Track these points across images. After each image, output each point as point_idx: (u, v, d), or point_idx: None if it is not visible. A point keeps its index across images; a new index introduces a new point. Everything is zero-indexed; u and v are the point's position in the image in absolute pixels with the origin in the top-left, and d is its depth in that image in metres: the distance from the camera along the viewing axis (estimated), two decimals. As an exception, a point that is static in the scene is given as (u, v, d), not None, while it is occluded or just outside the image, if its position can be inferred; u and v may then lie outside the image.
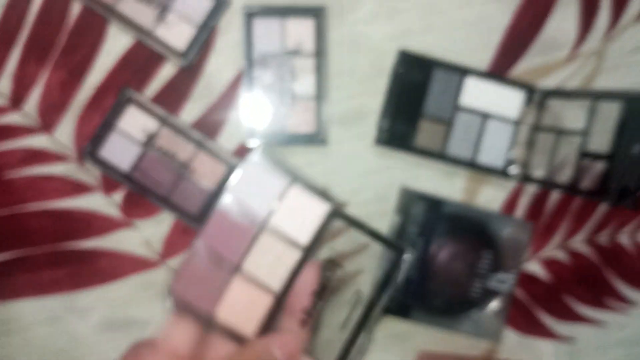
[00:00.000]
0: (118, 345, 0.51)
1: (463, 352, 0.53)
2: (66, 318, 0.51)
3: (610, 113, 0.44)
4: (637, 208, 0.40)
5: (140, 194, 0.49)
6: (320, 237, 0.36)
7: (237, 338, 0.35)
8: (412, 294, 0.48)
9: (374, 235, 0.37)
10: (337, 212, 0.36)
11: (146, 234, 0.51)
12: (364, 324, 0.36)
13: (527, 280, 0.54)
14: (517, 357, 0.54)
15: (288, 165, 0.36)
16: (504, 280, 0.48)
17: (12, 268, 0.50)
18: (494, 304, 0.48)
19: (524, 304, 0.54)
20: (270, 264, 0.36)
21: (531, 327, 0.54)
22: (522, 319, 0.54)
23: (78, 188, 0.50)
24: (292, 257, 0.36)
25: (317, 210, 0.36)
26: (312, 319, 0.35)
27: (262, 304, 0.35)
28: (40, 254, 0.50)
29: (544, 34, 0.51)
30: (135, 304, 0.51)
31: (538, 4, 0.51)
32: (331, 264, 0.37)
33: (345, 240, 0.38)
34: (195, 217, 0.50)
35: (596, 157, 0.45)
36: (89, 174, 0.50)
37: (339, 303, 0.37)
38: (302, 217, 0.36)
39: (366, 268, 0.39)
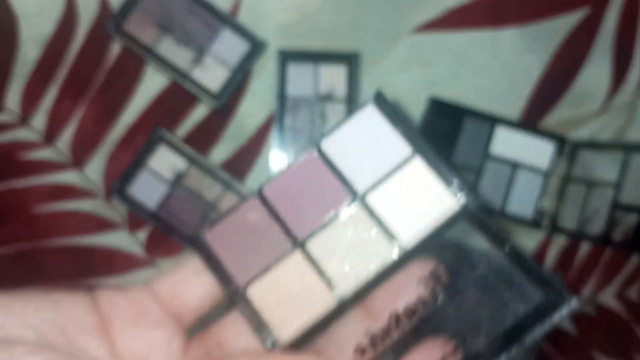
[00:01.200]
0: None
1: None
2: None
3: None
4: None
5: (166, 232, 0.49)
6: (433, 241, 0.24)
7: (261, 334, 0.24)
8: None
9: (521, 260, 0.23)
10: (472, 214, 0.24)
11: (169, 274, 0.50)
12: None
13: (556, 335, 0.52)
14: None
15: (416, 130, 0.25)
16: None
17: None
18: (523, 357, 0.47)
19: (551, 358, 0.52)
20: (348, 255, 0.24)
21: (560, 384, 0.52)
22: (551, 375, 0.52)
23: (103, 225, 0.50)
24: (383, 255, 0.24)
25: (441, 203, 0.24)
26: (377, 357, 0.24)
27: (316, 304, 0.24)
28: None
29: (576, 85, 0.51)
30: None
31: (571, 55, 0.51)
32: (435, 283, 0.24)
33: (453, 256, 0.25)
34: (219, 258, 0.49)
35: (629, 209, 0.45)
36: (115, 212, 0.50)
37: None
38: (417, 205, 0.24)
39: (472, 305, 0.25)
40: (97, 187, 0.50)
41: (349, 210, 0.25)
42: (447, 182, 0.24)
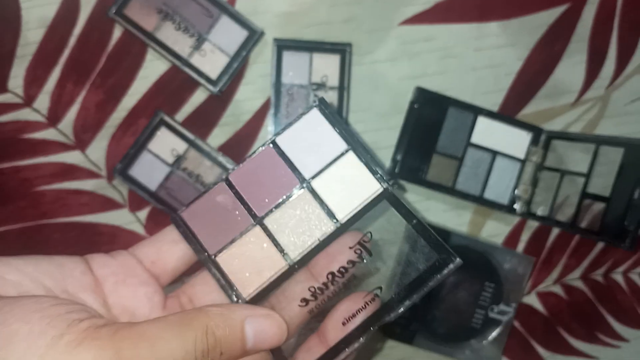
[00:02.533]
0: None
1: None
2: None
3: (612, 158, 0.47)
4: (633, 248, 0.43)
5: (165, 212, 0.52)
6: (361, 217, 0.31)
7: (227, 291, 0.31)
8: (417, 321, 0.51)
9: (424, 230, 0.30)
10: (390, 195, 0.31)
11: (167, 250, 0.53)
12: (374, 324, 0.30)
13: (526, 313, 0.57)
14: (513, 384, 0.57)
15: (352, 130, 0.32)
16: (505, 312, 0.51)
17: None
18: (494, 334, 0.51)
19: (522, 335, 0.57)
20: (296, 229, 0.32)
21: (526, 358, 0.57)
22: (520, 350, 0.57)
23: (105, 204, 0.53)
24: (323, 229, 0.31)
25: (368, 187, 0.31)
26: (318, 306, 0.31)
27: (271, 268, 0.31)
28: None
29: (553, 80, 0.55)
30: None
31: (548, 51, 0.54)
32: (361, 249, 0.31)
33: (380, 228, 0.32)
34: (216, 236, 0.52)
35: (597, 198, 0.49)
36: (116, 192, 0.53)
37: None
38: (349, 189, 0.32)
39: (389, 265, 0.32)
40: (99, 168, 0.52)
41: (297, 193, 0.32)
42: (373, 172, 0.31)
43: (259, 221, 0.32)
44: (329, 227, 0.31)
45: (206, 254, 0.32)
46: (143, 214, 0.53)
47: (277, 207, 0.32)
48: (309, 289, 0.31)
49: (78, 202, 0.52)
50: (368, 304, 0.30)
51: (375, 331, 0.31)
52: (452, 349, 0.51)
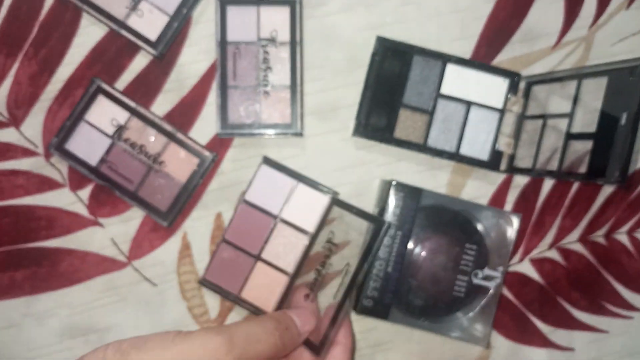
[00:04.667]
0: (75, 354, 0.48)
1: (453, 362, 0.49)
2: (24, 324, 0.48)
3: (595, 91, 0.42)
4: (625, 182, 0.37)
5: (108, 188, 0.47)
6: (323, 223, 0.45)
7: (258, 313, 0.45)
8: (391, 292, 0.45)
9: (360, 213, 0.44)
10: (336, 200, 0.45)
11: (112, 233, 0.48)
12: (350, 288, 0.44)
13: (519, 283, 0.50)
14: (511, 366, 0.50)
15: (292, 170, 0.46)
16: (491, 277, 0.45)
17: (-28, 269, 0.48)
18: (481, 303, 0.45)
19: (516, 308, 0.50)
20: (285, 250, 0.45)
21: (524, 334, 0.50)
22: (514, 325, 0.50)
23: (43, 184, 0.48)
24: (302, 243, 0.45)
25: (320, 201, 0.45)
26: (314, 293, 0.44)
27: (280, 284, 0.45)
28: None
29: (528, 22, 0.50)
30: (98, 309, 0.48)
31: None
32: (330, 245, 0.45)
33: (339, 223, 0.46)
34: (164, 213, 0.47)
35: (583, 137, 0.43)
36: (55, 170, 0.48)
37: (333, 278, 0.46)
38: (308, 208, 0.45)
39: (354, 245, 0.46)
40: (35, 145, 0.48)
41: (276, 227, 0.45)
42: (319, 189, 0.45)
43: (258, 257, 0.45)
44: (305, 240, 0.45)
45: (233, 295, 0.45)
46: (85, 192, 0.48)
47: (265, 242, 0.45)
48: (306, 287, 0.44)
49: (13, 184, 0.48)
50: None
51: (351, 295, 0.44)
52: (434, 323, 0.45)
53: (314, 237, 0.45)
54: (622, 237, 0.51)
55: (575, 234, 0.50)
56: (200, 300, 0.49)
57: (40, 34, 0.48)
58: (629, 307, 0.51)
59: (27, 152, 0.48)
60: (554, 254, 0.50)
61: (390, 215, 0.45)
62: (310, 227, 0.45)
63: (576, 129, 0.43)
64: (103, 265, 0.48)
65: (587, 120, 0.43)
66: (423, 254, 0.45)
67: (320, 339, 0.42)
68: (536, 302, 0.50)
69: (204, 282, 0.46)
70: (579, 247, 0.50)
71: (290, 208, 0.45)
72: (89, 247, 0.48)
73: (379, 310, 0.45)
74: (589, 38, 0.50)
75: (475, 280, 0.45)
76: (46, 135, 0.48)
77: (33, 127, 0.48)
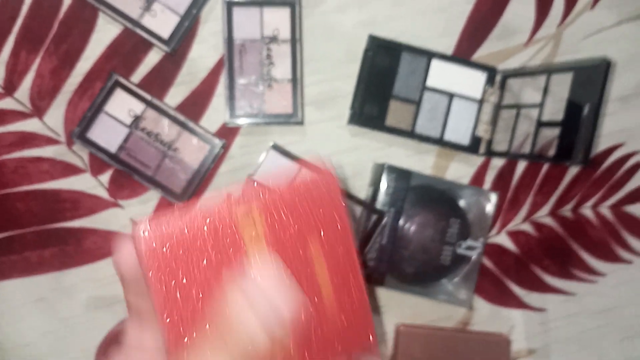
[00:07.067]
0: (104, 324, 0.53)
1: (438, 324, 0.55)
2: (53, 298, 0.53)
3: (563, 84, 0.48)
4: (587, 163, 0.43)
5: (127, 173, 0.52)
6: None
7: None
8: (386, 262, 0.51)
9: (361, 202, 0.48)
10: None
11: (132, 214, 0.53)
12: None
13: (497, 253, 0.56)
14: (489, 327, 0.56)
15: (295, 155, 0.51)
16: (473, 247, 0.51)
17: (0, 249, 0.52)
18: (464, 270, 0.51)
19: (495, 275, 0.56)
20: None
21: (502, 297, 0.57)
22: (494, 290, 0.56)
23: (66, 170, 0.53)
24: None
25: None
26: None
27: None
28: (27, 235, 0.52)
29: (504, 20, 0.55)
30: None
31: (495, -8, 0.55)
32: None
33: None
34: (179, 194, 0.52)
35: (552, 124, 0.49)
36: (77, 157, 0.53)
37: None
38: None
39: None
40: (58, 134, 0.52)
41: None
42: None
43: None
44: None
45: None
46: (105, 177, 0.53)
47: None
48: None
49: (39, 170, 0.52)
50: None
51: None
52: (424, 289, 0.51)
53: None
54: (587, 211, 0.57)
55: (546, 209, 0.57)
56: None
57: (60, 31, 0.52)
58: (594, 272, 0.57)
59: (50, 141, 0.52)
60: (527, 227, 0.57)
61: (383, 194, 0.51)
62: None
63: (546, 117, 0.49)
64: (123, 243, 0.53)
65: (555, 109, 0.49)
66: (413, 227, 0.51)
67: None
68: (512, 269, 0.56)
69: None
70: (549, 221, 0.57)
71: None
72: (111, 226, 0.53)
73: (376, 278, 0.51)
74: (557, 35, 0.56)
75: (459, 250, 0.51)
76: (67, 125, 0.53)
77: (55, 118, 0.52)
